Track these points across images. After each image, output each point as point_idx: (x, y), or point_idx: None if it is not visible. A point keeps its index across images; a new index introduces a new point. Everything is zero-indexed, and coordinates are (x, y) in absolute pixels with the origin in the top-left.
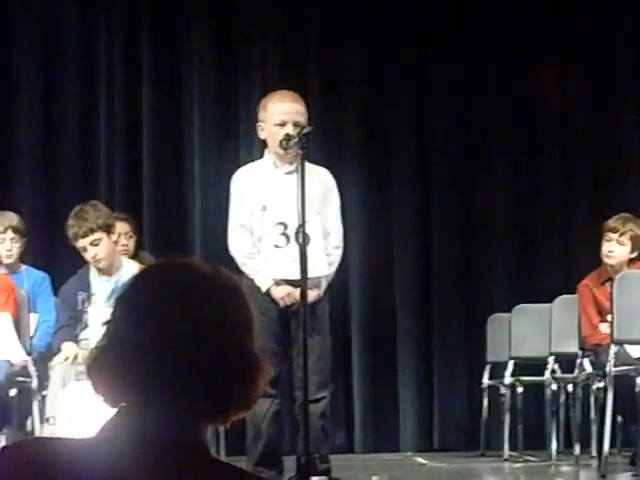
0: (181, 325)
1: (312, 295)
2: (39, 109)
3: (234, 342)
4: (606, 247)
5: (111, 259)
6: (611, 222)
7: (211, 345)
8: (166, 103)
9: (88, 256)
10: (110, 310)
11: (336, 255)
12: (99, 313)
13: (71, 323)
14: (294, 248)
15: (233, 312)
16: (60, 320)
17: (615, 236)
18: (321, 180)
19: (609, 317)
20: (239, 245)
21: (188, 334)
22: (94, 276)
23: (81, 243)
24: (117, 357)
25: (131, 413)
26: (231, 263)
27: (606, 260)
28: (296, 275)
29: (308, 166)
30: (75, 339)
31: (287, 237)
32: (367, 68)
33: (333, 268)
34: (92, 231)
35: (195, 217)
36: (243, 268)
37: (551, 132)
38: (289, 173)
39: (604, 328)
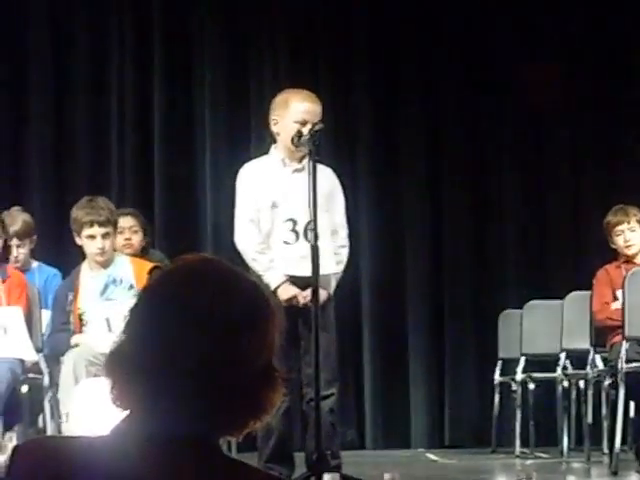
0: (200, 327)
1: (322, 295)
2: (51, 105)
3: (253, 353)
4: (621, 240)
5: (109, 255)
6: (612, 218)
7: (230, 351)
8: (178, 98)
9: (94, 246)
10: (105, 303)
11: (343, 254)
12: (95, 308)
13: (65, 329)
14: (303, 245)
15: (257, 321)
16: (54, 324)
17: (625, 227)
18: (327, 179)
19: (619, 293)
20: (249, 240)
21: (208, 336)
22: (85, 272)
23: (93, 231)
24: (136, 353)
25: (145, 412)
26: (240, 257)
27: (626, 252)
28: (305, 272)
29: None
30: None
31: (297, 234)
32: (379, 68)
33: (341, 267)
34: (108, 223)
35: (207, 211)
36: (252, 264)
37: (563, 129)
38: (297, 171)
39: (615, 305)
